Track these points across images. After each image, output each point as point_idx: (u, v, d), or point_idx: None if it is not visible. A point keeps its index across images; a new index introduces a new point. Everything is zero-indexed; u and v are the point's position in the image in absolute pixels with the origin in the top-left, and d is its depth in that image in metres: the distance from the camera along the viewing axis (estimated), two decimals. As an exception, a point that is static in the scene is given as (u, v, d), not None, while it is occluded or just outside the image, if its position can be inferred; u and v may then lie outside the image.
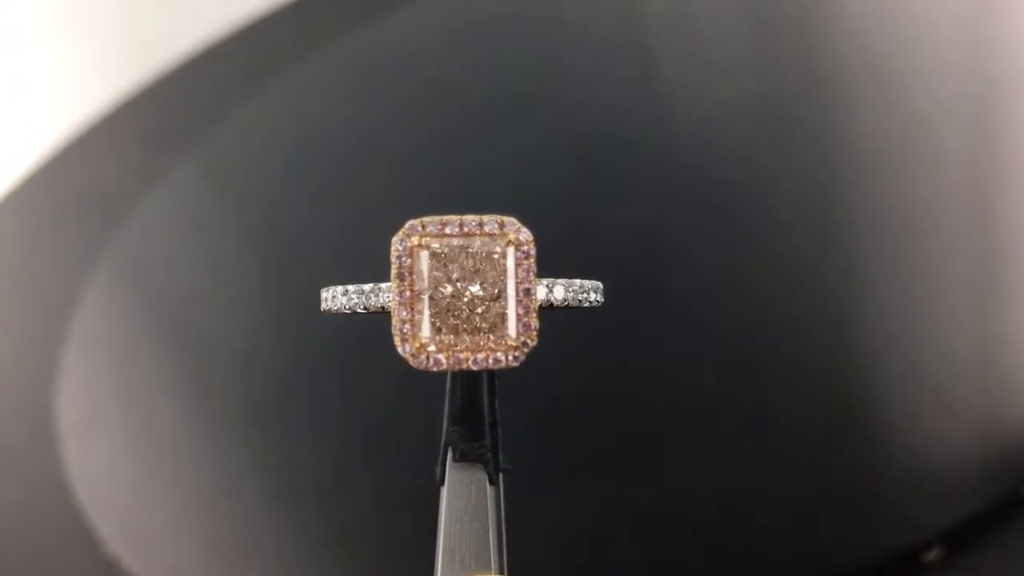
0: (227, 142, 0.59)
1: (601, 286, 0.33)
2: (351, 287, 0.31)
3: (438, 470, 0.33)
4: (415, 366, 0.29)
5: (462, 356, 0.29)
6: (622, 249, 0.51)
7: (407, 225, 0.29)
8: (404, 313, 0.29)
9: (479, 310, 0.29)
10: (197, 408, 0.54)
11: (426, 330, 0.29)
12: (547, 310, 0.31)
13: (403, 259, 0.29)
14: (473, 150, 0.54)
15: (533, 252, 0.29)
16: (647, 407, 0.48)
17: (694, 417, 0.48)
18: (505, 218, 0.29)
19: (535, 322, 0.29)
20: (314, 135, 0.59)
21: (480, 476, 0.32)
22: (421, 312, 0.29)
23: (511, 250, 0.29)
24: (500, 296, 0.29)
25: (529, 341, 0.29)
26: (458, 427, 0.33)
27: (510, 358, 0.29)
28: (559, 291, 0.31)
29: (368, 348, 0.50)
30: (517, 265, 0.29)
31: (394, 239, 0.29)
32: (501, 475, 0.34)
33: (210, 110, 0.61)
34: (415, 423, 0.49)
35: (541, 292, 0.30)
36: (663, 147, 0.53)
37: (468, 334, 0.29)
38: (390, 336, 0.29)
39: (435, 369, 0.29)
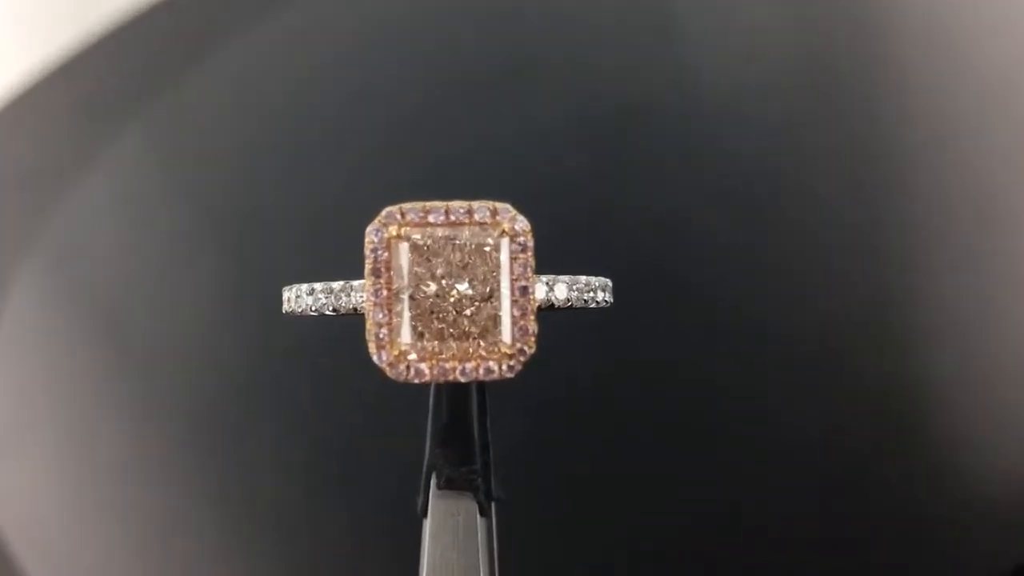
0: (176, 113, 0.58)
1: (610, 284, 0.33)
2: (318, 285, 0.31)
3: (420, 499, 0.33)
4: (393, 377, 0.29)
5: (448, 366, 0.28)
6: (635, 240, 0.50)
7: (384, 213, 0.29)
8: (380, 315, 0.29)
9: (468, 312, 0.29)
10: (141, 423, 0.53)
11: (406, 335, 0.28)
12: (547, 311, 0.31)
13: (379, 252, 0.29)
14: (460, 125, 0.53)
15: (531, 244, 0.29)
16: (664, 426, 0.48)
17: (721, 439, 0.48)
18: (498, 204, 0.29)
19: (533, 326, 0.29)
20: (277, 106, 0.56)
21: (469, 506, 0.32)
22: (400, 314, 0.29)
23: (505, 242, 0.29)
24: (492, 296, 0.29)
25: (526, 348, 0.29)
26: (443, 449, 0.33)
27: (504, 368, 0.29)
28: (561, 290, 0.31)
29: (339, 356, 0.50)
30: (512, 259, 0.29)
31: (368, 229, 0.29)
32: (493, 504, 0.34)
33: (156, 75, 0.59)
34: (394, 443, 0.48)
35: (540, 291, 0.30)
36: (684, 119, 0.52)
37: (455, 340, 0.29)
38: (364, 342, 0.30)
39: (416, 381, 0.29)
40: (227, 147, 0.57)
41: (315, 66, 0.58)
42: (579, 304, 0.31)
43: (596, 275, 0.33)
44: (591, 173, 0.50)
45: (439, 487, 0.32)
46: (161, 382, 0.54)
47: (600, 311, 0.33)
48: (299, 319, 0.34)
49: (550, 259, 0.38)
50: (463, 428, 0.34)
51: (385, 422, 0.50)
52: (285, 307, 0.32)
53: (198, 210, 0.56)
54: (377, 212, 0.29)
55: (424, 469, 0.33)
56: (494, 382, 0.29)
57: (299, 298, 0.32)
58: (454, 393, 0.35)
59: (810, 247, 0.50)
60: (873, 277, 0.49)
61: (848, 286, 0.49)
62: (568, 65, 0.54)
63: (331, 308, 0.31)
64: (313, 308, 0.31)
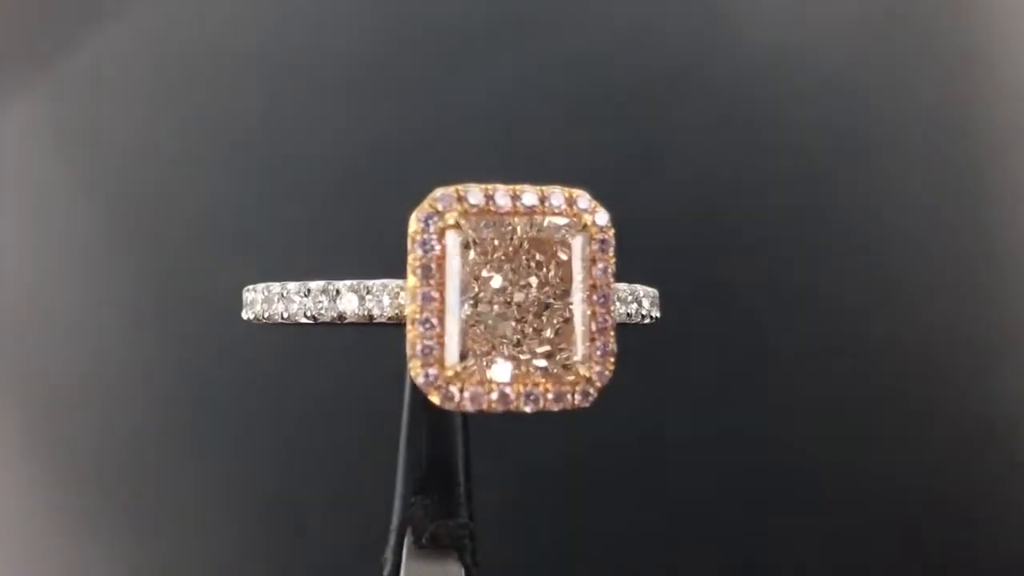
0: (84, 75, 0.48)
1: (656, 294, 0.28)
2: (292, 286, 0.25)
3: (387, 559, 0.26)
4: (440, 403, 0.23)
5: (510, 392, 0.23)
6: (674, 239, 0.43)
7: (437, 195, 0.23)
8: (429, 325, 0.23)
9: (535, 326, 0.23)
10: (47, 469, 0.44)
11: (461, 351, 0.23)
12: None
13: (429, 245, 0.23)
14: (453, 90, 0.44)
15: (613, 243, 0.24)
16: (704, 465, 0.43)
17: (773, 481, 0.43)
18: (576, 191, 0.24)
19: (614, 344, 0.24)
20: (217, 61, 0.47)
21: (455, 571, 0.26)
22: (455, 325, 0.23)
23: (585, 239, 0.24)
24: (566, 306, 0.23)
25: (606, 371, 0.23)
26: (422, 497, 0.27)
27: (578, 396, 0.23)
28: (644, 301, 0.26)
29: (302, 378, 0.42)
30: (592, 261, 0.24)
31: (415, 215, 0.23)
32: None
33: (58, 33, 0.50)
34: (352, 483, 0.42)
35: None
36: (728, 91, 0.45)
37: (519, 359, 0.23)
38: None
39: (470, 408, 0.23)
40: (148, 118, 0.47)
41: (267, 14, 0.48)
42: (634, 319, 0.26)
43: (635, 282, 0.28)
44: (619, 157, 0.44)
45: (418, 544, 0.27)
46: (71, 416, 0.45)
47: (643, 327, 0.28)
48: (257, 329, 0.27)
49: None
50: (448, 471, 0.28)
51: (344, 457, 0.42)
52: (247, 312, 0.26)
53: (114, 196, 0.47)
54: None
55: (394, 522, 0.27)
56: (564, 414, 0.24)
57: (268, 303, 0.25)
58: (438, 424, 0.29)
59: (885, 246, 0.45)
60: (961, 276, 0.44)
61: (936, 289, 0.44)
62: (583, 28, 0.45)
63: (309, 315, 0.25)
64: (286, 315, 0.25)
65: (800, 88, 0.45)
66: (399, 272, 0.24)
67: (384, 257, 0.25)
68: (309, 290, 0.25)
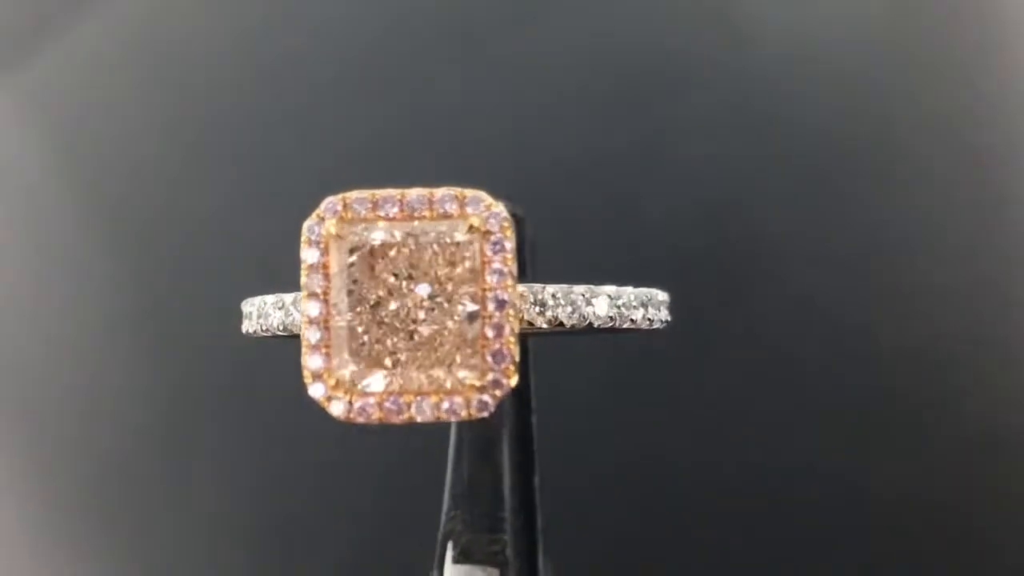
0: (68, 70, 0.46)
1: (666, 297, 0.26)
2: (287, 297, 0.25)
3: (433, 573, 0.27)
4: (336, 416, 0.23)
5: (402, 402, 0.22)
6: (684, 239, 0.41)
7: (324, 205, 0.23)
8: (316, 335, 0.23)
9: (426, 333, 0.22)
10: (33, 487, 0.43)
11: (349, 362, 0.22)
12: (582, 333, 0.25)
13: (316, 255, 0.23)
14: (453, 86, 0.43)
15: (509, 243, 0.22)
16: (712, 467, 0.40)
17: (783, 485, 0.40)
18: (468, 191, 0.23)
19: (512, 350, 0.22)
20: (206, 56, 0.45)
21: None
22: (342, 335, 0.23)
23: (476, 239, 0.23)
24: (458, 311, 0.23)
25: (503, 379, 0.22)
26: (462, 511, 0.27)
27: (473, 405, 0.22)
28: (602, 304, 0.24)
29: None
30: (485, 263, 0.23)
31: (305, 225, 0.23)
32: None
33: (40, 26, 0.47)
34: (397, 504, 0.41)
35: (564, 310, 0.23)
36: (741, 83, 0.42)
37: (412, 368, 0.22)
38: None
39: (361, 420, 0.22)
40: (128, 117, 0.45)
41: (243, 14, 0.46)
42: (624, 324, 0.25)
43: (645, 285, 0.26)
44: (626, 157, 0.42)
45: (454, 560, 0.26)
46: (53, 430, 0.44)
47: (654, 333, 0.26)
48: (254, 342, 0.28)
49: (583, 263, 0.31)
50: (489, 485, 0.28)
51: (359, 472, 0.41)
52: (247, 326, 0.26)
53: (95, 197, 0.45)
54: (317, 202, 0.23)
55: (439, 537, 0.27)
56: (465, 421, 0.23)
57: (262, 316, 0.25)
58: (480, 438, 0.28)
59: (908, 246, 0.41)
60: (978, 280, 0.41)
61: (955, 292, 0.41)
62: (582, 16, 0.43)
63: (282, 327, 0.25)
64: (276, 327, 0.25)
65: (813, 84, 0.42)
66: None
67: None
68: (283, 302, 0.25)
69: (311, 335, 0.22)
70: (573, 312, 0.24)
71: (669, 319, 0.26)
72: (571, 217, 0.35)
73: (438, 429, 0.29)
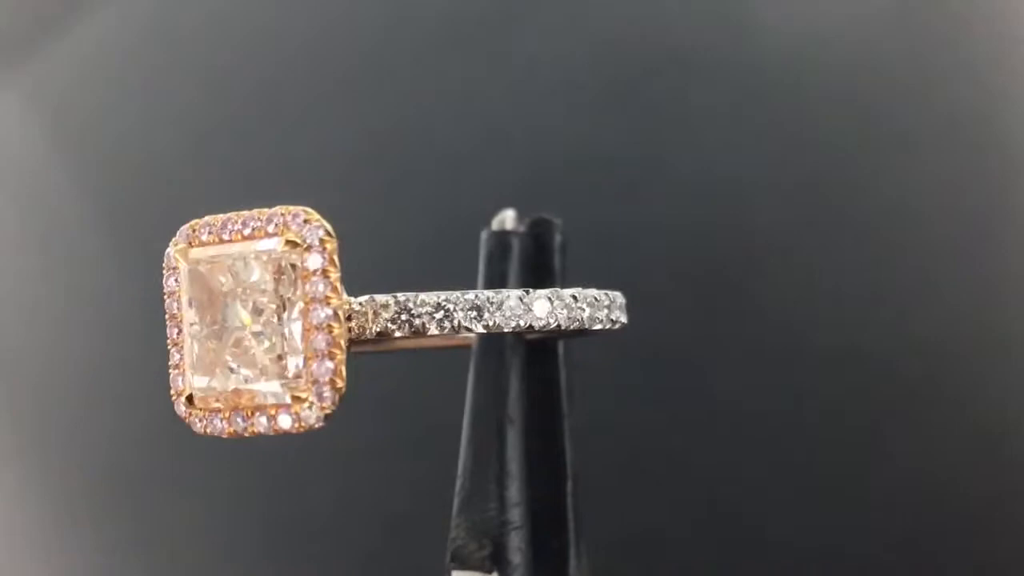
0: (73, 65, 0.47)
1: (621, 298, 0.26)
2: None
3: None
4: (196, 432, 0.24)
5: (240, 419, 0.23)
6: (684, 238, 0.39)
7: (179, 232, 0.25)
8: (176, 357, 0.24)
9: (260, 348, 0.23)
10: (38, 487, 0.44)
11: (194, 381, 0.24)
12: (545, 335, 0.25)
13: (170, 280, 0.24)
14: (449, 83, 0.42)
15: (325, 255, 0.23)
16: (715, 468, 0.38)
17: (797, 501, 0.37)
18: (294, 208, 0.23)
19: (336, 361, 0.22)
20: (201, 53, 0.45)
21: None
22: (189, 356, 0.24)
23: (295, 258, 0.23)
24: (283, 326, 0.23)
25: (328, 390, 0.22)
26: (463, 516, 0.27)
27: (307, 416, 0.23)
28: (540, 307, 0.24)
29: None
30: (304, 278, 0.23)
31: (165, 252, 0.25)
32: None
33: (38, 25, 0.47)
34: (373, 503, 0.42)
35: (501, 314, 0.24)
36: (744, 81, 0.40)
37: (247, 384, 0.23)
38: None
39: (217, 434, 0.24)
40: (131, 111, 0.45)
41: (243, 10, 0.46)
42: (569, 326, 0.25)
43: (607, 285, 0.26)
44: (616, 155, 0.39)
45: (453, 567, 0.27)
46: (57, 431, 0.44)
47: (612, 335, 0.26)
48: None
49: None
50: (493, 487, 0.28)
51: (373, 472, 0.41)
52: None
53: (95, 198, 0.45)
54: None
55: (448, 544, 0.28)
56: (303, 433, 0.23)
57: None
58: (480, 441, 0.29)
59: (910, 246, 0.38)
60: (982, 276, 0.35)
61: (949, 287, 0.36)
62: (594, 10, 0.41)
63: None
64: None
65: (817, 82, 0.39)
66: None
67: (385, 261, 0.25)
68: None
69: (172, 356, 0.24)
70: (510, 317, 0.24)
71: (623, 320, 0.26)
72: (570, 216, 0.34)
73: (440, 429, 0.30)
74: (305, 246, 0.23)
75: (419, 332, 0.23)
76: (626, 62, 0.41)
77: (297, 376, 0.23)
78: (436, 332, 0.23)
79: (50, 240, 0.47)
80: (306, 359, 0.22)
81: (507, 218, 0.33)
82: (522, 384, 0.30)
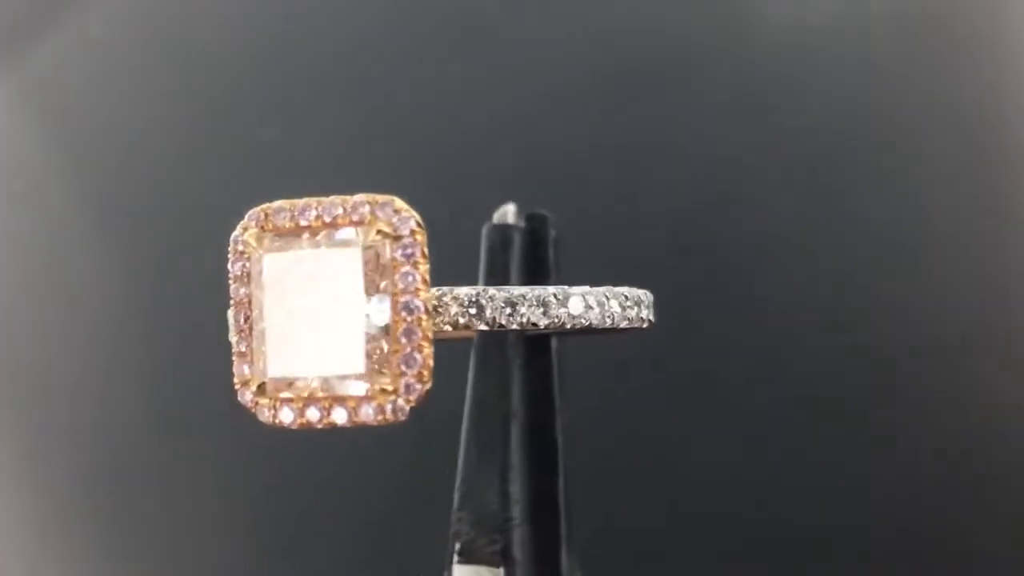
0: (64, 58, 0.45)
1: (649, 297, 0.26)
2: None
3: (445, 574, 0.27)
4: (263, 422, 0.23)
5: (321, 406, 0.23)
6: (683, 232, 0.40)
7: (247, 215, 0.24)
8: (243, 345, 0.23)
9: (342, 339, 0.23)
10: (27, 483, 0.43)
11: (268, 369, 0.23)
12: (567, 333, 0.25)
13: (238, 264, 0.24)
14: (442, 77, 0.42)
15: (419, 248, 0.23)
16: (711, 466, 0.39)
17: (781, 483, 0.39)
18: (382, 198, 0.23)
19: (424, 354, 0.22)
20: (198, 47, 0.44)
21: None
22: (262, 343, 0.23)
23: (384, 247, 0.23)
24: (370, 318, 0.23)
25: (416, 383, 0.22)
26: (467, 511, 0.27)
27: (388, 410, 0.22)
28: (576, 304, 0.24)
29: None
30: (394, 269, 0.23)
31: (232, 236, 0.24)
32: None
33: (34, 19, 0.46)
34: (405, 504, 0.41)
35: (533, 312, 0.23)
36: (742, 74, 0.41)
37: (328, 373, 0.23)
38: None
39: (287, 425, 0.23)
40: (123, 107, 0.45)
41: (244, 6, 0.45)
42: (601, 324, 0.25)
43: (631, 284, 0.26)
44: (624, 143, 0.40)
45: (458, 561, 0.27)
46: (55, 433, 0.43)
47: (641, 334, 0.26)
48: None
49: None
50: (493, 483, 0.28)
51: (367, 469, 0.41)
52: None
53: (95, 194, 0.44)
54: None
55: (450, 536, 0.27)
56: (376, 426, 0.23)
57: None
58: (481, 436, 0.29)
59: (912, 244, 0.40)
60: (979, 271, 0.38)
61: (947, 281, 0.39)
62: (593, 3, 0.42)
63: None
64: None
65: (815, 76, 0.40)
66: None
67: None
68: None
69: (238, 344, 0.23)
70: (546, 313, 0.24)
71: (652, 318, 0.26)
72: (569, 210, 0.35)
73: (451, 429, 0.30)
74: (395, 236, 0.22)
75: (490, 326, 0.23)
76: (625, 57, 0.41)
77: (383, 369, 0.22)
78: (515, 327, 0.24)
79: (38, 237, 0.45)
80: (393, 351, 0.22)
81: (508, 212, 0.33)
82: (525, 378, 0.30)
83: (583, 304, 0.25)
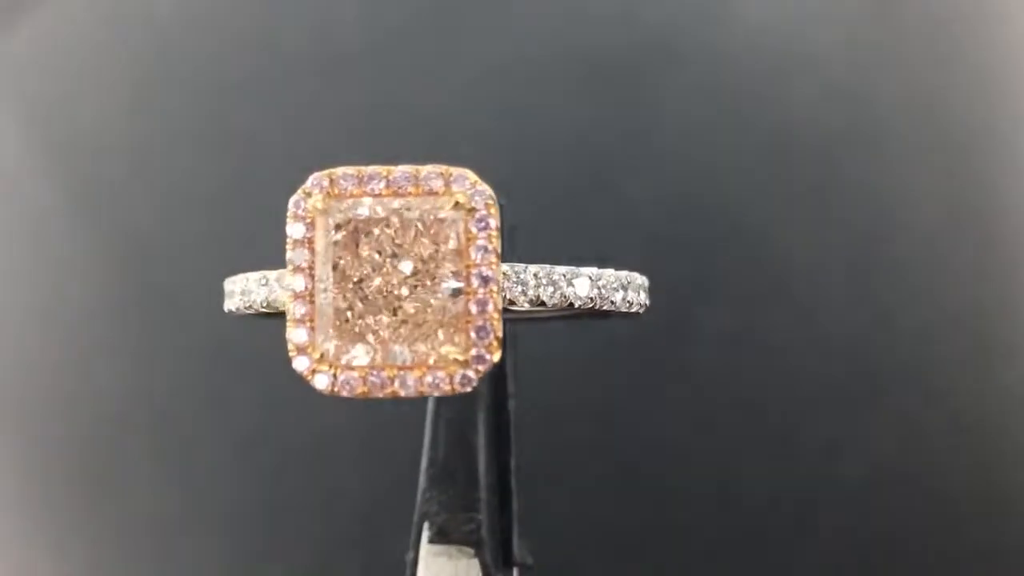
0: (35, 48, 0.44)
1: (646, 282, 0.26)
2: (272, 274, 0.25)
3: (409, 556, 0.27)
4: (319, 389, 0.23)
5: (385, 376, 0.23)
6: (663, 224, 0.41)
7: (310, 180, 0.23)
8: (301, 309, 0.23)
9: (411, 308, 0.23)
10: (18, 479, 0.43)
11: (332, 336, 0.23)
12: (565, 316, 0.25)
13: (301, 230, 0.23)
14: (429, 68, 0.42)
15: (494, 220, 0.23)
16: (702, 455, 0.41)
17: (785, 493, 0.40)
18: (455, 169, 0.23)
19: (496, 325, 0.23)
20: (175, 32, 0.43)
21: (470, 569, 0.26)
22: (327, 310, 0.23)
23: (460, 217, 0.23)
24: (442, 287, 0.23)
25: (486, 354, 0.23)
26: (437, 492, 0.27)
27: (457, 380, 0.23)
28: (582, 285, 0.25)
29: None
30: (469, 240, 0.23)
31: (292, 200, 0.23)
32: (515, 572, 0.28)
33: (7, 5, 0.44)
34: (373, 484, 0.41)
35: (546, 291, 0.24)
36: (723, 68, 0.42)
37: (396, 343, 0.23)
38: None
39: (346, 394, 0.23)
40: (103, 99, 0.44)
41: None
42: (605, 305, 0.25)
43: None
44: (601, 142, 0.41)
45: (429, 540, 0.27)
46: (39, 425, 0.43)
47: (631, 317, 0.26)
48: (240, 321, 0.28)
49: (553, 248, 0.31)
50: (465, 462, 0.28)
51: (339, 451, 0.41)
52: (229, 304, 0.26)
53: (67, 182, 0.43)
54: (303, 178, 0.24)
55: (415, 518, 0.27)
56: (445, 396, 0.23)
57: (246, 293, 0.26)
58: (455, 418, 0.29)
59: (889, 238, 0.41)
60: (964, 262, 0.41)
61: (931, 274, 0.41)
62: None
63: (264, 303, 0.25)
64: (260, 304, 0.25)
65: (797, 69, 0.42)
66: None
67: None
68: (267, 279, 0.25)
69: (296, 309, 0.23)
70: (555, 292, 0.25)
71: (647, 303, 0.27)
72: (549, 201, 0.35)
73: (412, 411, 0.30)
74: (470, 208, 0.23)
75: (560, 304, 0.24)
76: (606, 52, 0.42)
77: (453, 339, 0.22)
78: (636, 309, 0.24)
79: (20, 221, 0.44)
80: (466, 322, 0.22)
81: None
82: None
83: (589, 285, 0.26)
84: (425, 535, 0.27)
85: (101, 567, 0.42)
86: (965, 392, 0.40)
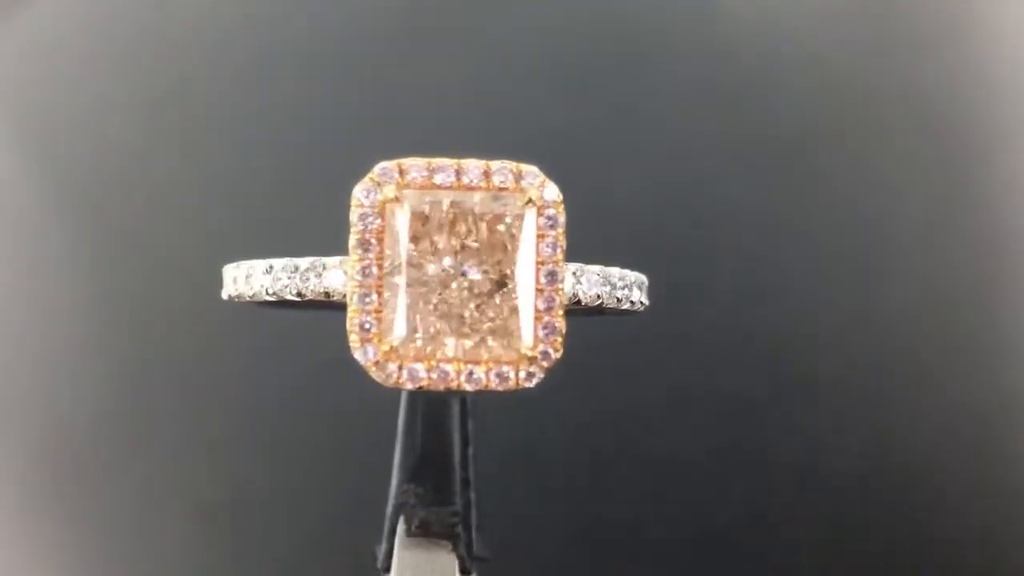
0: (17, 47, 0.43)
1: (645, 281, 0.26)
2: (278, 263, 0.25)
3: (381, 549, 0.27)
4: (380, 380, 0.23)
5: (451, 369, 0.23)
6: (654, 217, 0.42)
7: (377, 169, 0.23)
8: (368, 300, 0.23)
9: (479, 302, 0.23)
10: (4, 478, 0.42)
11: (400, 327, 0.23)
12: (571, 312, 0.25)
13: (370, 220, 0.23)
14: (421, 61, 0.41)
15: (562, 219, 0.23)
16: (693, 452, 0.42)
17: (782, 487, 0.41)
18: (524, 166, 0.23)
19: (561, 322, 0.23)
20: (173, 30, 0.43)
21: (446, 561, 0.26)
22: (394, 300, 0.23)
23: (531, 214, 0.23)
24: (511, 282, 0.23)
25: (551, 351, 0.23)
26: (415, 484, 0.27)
27: (522, 375, 0.23)
28: (591, 283, 0.25)
29: (278, 365, 0.40)
30: (539, 237, 0.23)
31: (357, 190, 0.23)
32: (475, 565, 0.28)
33: None
34: (338, 470, 0.42)
35: (568, 282, 0.24)
36: (715, 59, 0.42)
37: (462, 336, 0.23)
38: (339, 337, 0.23)
39: (410, 386, 0.23)
40: (89, 91, 0.43)
41: None
42: (610, 303, 0.25)
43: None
44: (594, 133, 0.42)
45: (408, 533, 0.26)
46: (22, 425, 0.42)
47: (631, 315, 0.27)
48: (236, 309, 0.27)
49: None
50: (443, 456, 0.28)
51: (326, 445, 0.41)
52: (227, 291, 0.26)
53: (49, 175, 0.43)
54: (358, 170, 0.23)
55: (388, 510, 0.27)
56: (505, 393, 0.23)
57: (250, 278, 0.25)
58: (433, 410, 0.28)
59: (868, 216, 0.42)
60: (950, 254, 0.41)
61: (919, 265, 0.41)
62: None
63: (294, 292, 0.24)
64: (271, 292, 0.25)
65: (788, 61, 0.43)
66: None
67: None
68: (296, 267, 0.25)
69: (362, 300, 0.23)
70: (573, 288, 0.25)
71: (647, 302, 0.27)
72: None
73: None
74: (541, 204, 0.23)
75: (618, 304, 0.24)
76: (600, 50, 0.42)
77: (518, 335, 0.23)
78: (637, 308, 0.25)
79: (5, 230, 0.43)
80: (535, 318, 0.23)
81: None
82: None
83: (599, 282, 0.26)
84: (401, 527, 0.27)
85: (87, 564, 0.41)
86: (965, 392, 0.41)
